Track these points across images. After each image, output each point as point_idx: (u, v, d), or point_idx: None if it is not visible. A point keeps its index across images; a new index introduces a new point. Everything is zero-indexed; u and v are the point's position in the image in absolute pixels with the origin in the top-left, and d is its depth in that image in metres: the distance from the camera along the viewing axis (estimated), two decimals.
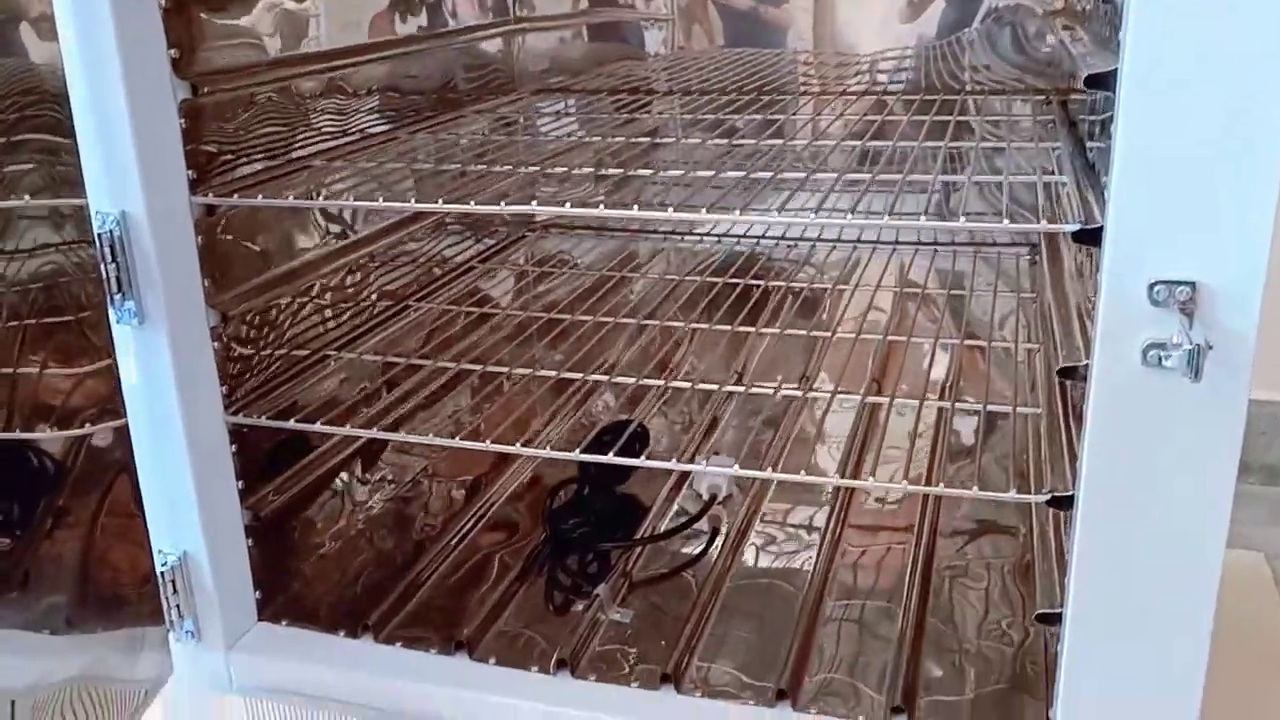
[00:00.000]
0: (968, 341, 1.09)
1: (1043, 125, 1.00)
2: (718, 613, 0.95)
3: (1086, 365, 0.64)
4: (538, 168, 0.87)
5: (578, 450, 0.79)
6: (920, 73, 1.24)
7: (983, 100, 1.20)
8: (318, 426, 0.86)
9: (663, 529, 1.09)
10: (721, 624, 0.93)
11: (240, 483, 0.88)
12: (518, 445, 0.78)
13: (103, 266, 0.77)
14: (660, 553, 1.05)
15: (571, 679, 0.85)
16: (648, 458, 1.10)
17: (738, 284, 1.22)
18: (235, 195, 0.79)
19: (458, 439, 0.81)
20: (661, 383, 0.91)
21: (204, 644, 0.89)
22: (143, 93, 0.75)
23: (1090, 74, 0.61)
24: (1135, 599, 0.67)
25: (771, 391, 0.88)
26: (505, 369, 0.96)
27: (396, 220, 1.11)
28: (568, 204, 0.78)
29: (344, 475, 1.03)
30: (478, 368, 0.98)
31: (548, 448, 0.78)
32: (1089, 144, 0.82)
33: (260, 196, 0.79)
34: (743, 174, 0.81)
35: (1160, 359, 0.60)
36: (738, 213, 0.71)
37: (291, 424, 0.85)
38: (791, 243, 1.33)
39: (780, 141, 0.96)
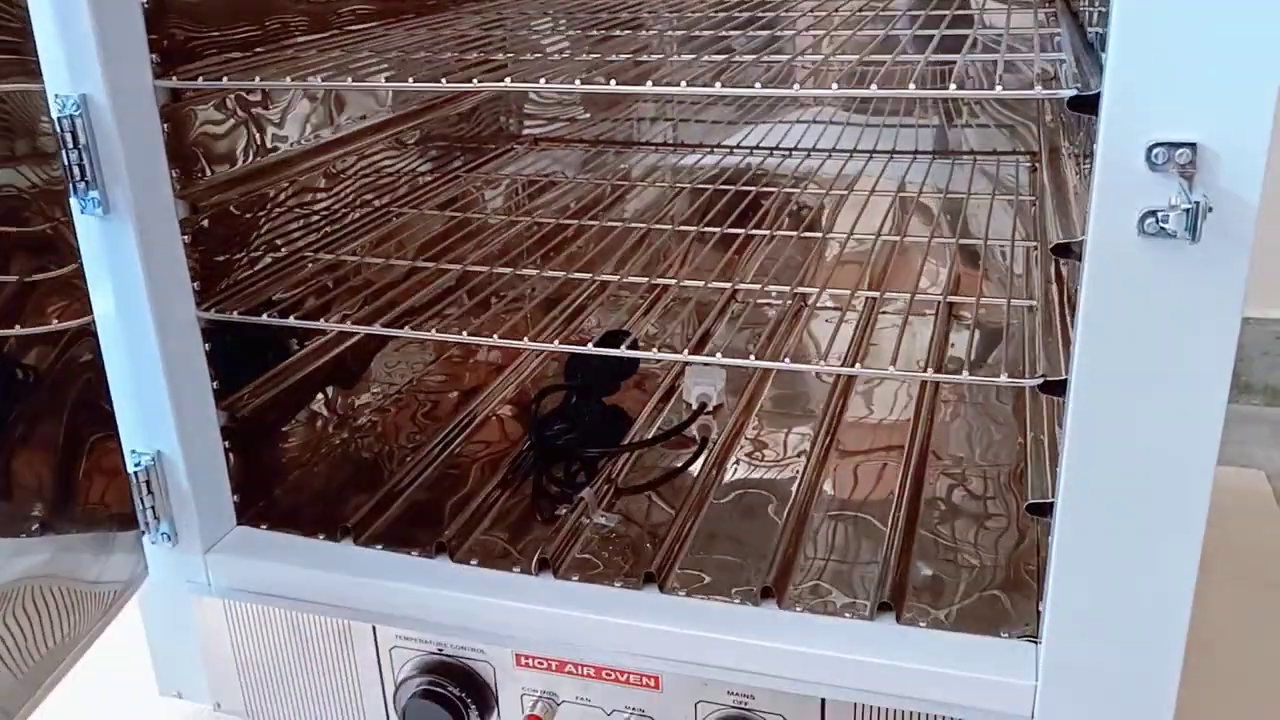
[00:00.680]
0: (964, 241, 1.06)
1: (1046, 15, 0.96)
2: (702, 520, 0.93)
3: (1081, 241, 0.61)
4: (539, 55, 0.83)
5: (557, 341, 0.77)
6: None
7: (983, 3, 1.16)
8: (292, 321, 0.83)
9: (651, 433, 1.07)
10: (706, 531, 0.92)
11: (215, 383, 0.86)
12: (494, 337, 0.76)
13: (64, 153, 0.75)
14: (647, 462, 1.03)
15: (554, 579, 0.84)
16: (636, 364, 1.09)
17: (731, 191, 1.19)
18: (200, 79, 0.77)
19: (434, 332, 0.79)
20: (646, 280, 0.89)
21: (180, 546, 0.87)
22: None
23: None
24: (1128, 486, 0.65)
25: (763, 295, 0.86)
26: (486, 269, 0.94)
27: (377, 122, 1.08)
28: (577, 80, 0.73)
29: (327, 381, 1.01)
30: (456, 266, 0.95)
31: (525, 339, 0.76)
32: (1089, 30, 0.79)
33: (225, 79, 0.76)
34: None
35: (1159, 224, 0.57)
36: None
37: (264, 319, 0.83)
38: (785, 153, 1.29)
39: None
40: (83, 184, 0.76)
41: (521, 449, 1.03)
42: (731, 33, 0.89)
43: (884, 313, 1.21)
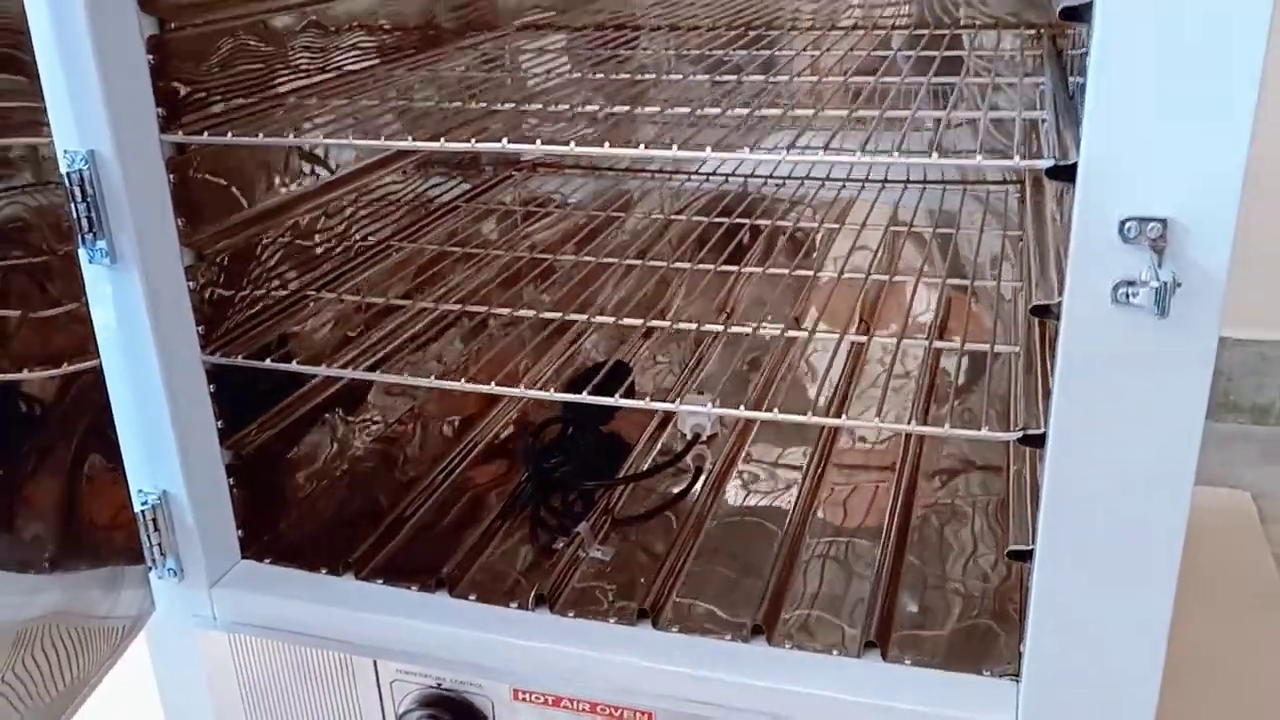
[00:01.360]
0: (955, 281, 1.08)
1: (1032, 60, 0.98)
2: (697, 550, 0.95)
3: (1059, 303, 0.64)
4: (539, 105, 0.85)
5: (552, 390, 0.79)
6: (914, 5, 1.22)
7: (975, 35, 1.18)
8: (294, 366, 0.86)
9: (646, 467, 1.09)
10: (701, 561, 0.94)
11: (220, 422, 0.89)
12: (492, 385, 0.78)
13: (72, 206, 0.77)
14: (643, 492, 1.05)
15: (550, 614, 0.86)
16: (629, 395, 1.11)
17: (725, 224, 1.21)
18: (205, 133, 0.79)
19: (433, 378, 0.81)
20: (641, 322, 0.91)
21: (187, 581, 0.89)
22: (108, 29, 0.74)
23: (1066, 6, 0.59)
24: (1103, 539, 0.67)
25: (753, 330, 0.88)
26: (485, 308, 0.96)
27: (377, 159, 1.10)
28: (571, 143, 0.75)
29: (328, 416, 1.03)
30: (457, 308, 0.97)
31: (521, 385, 0.78)
32: (1071, 79, 0.81)
33: (230, 134, 0.78)
34: (747, 110, 0.79)
35: (1129, 296, 0.59)
36: (747, 151, 0.69)
37: (267, 364, 0.85)
38: (780, 181, 1.31)
39: (765, 78, 0.95)
40: (90, 235, 0.78)
41: (520, 480, 1.06)
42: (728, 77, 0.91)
43: (877, 336, 1.23)
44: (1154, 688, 0.70)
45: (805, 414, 0.72)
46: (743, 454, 1.12)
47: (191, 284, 0.84)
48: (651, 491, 1.05)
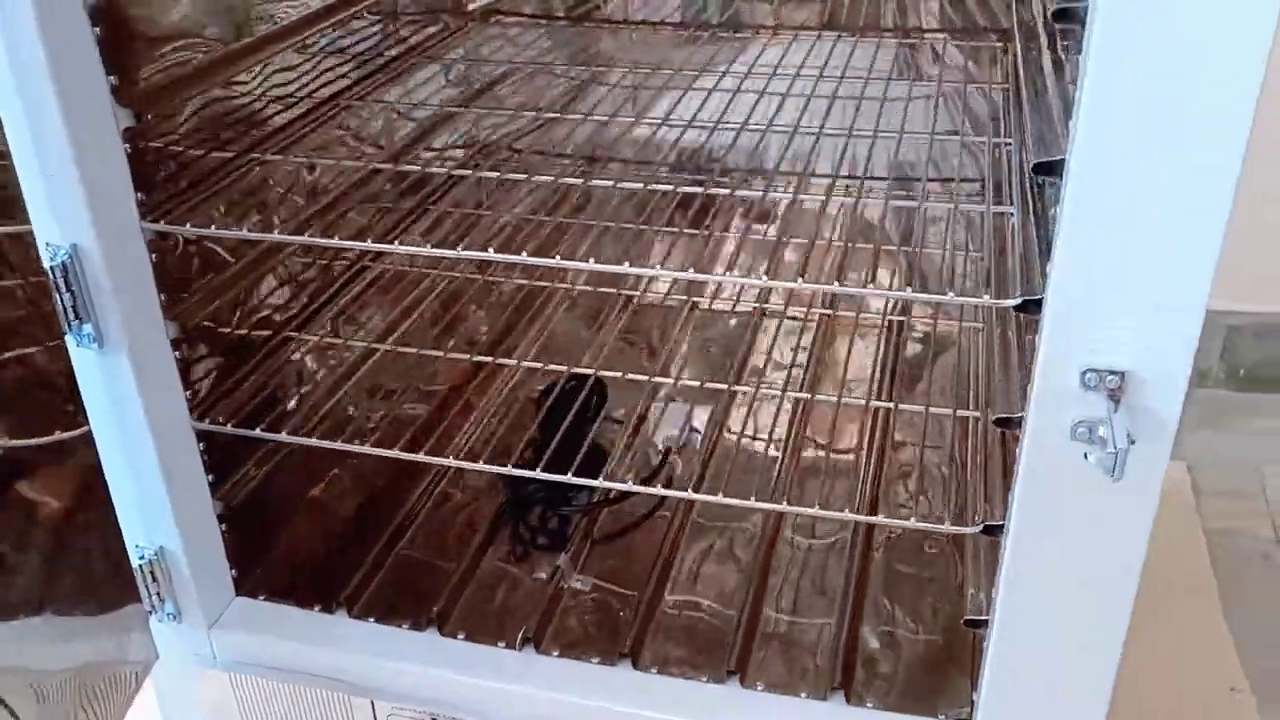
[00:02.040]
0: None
1: (1002, 151, 0.99)
2: (674, 579, 1.01)
3: (1021, 418, 0.68)
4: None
5: (510, 465, 0.83)
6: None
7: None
8: (284, 437, 0.88)
9: (621, 473, 1.13)
10: (677, 591, 1.00)
11: (210, 476, 0.91)
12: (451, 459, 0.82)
13: (57, 296, 0.77)
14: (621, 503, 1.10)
15: (536, 654, 0.92)
16: (605, 410, 1.14)
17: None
18: (188, 225, 0.79)
19: (397, 449, 0.85)
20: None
21: (185, 624, 0.93)
22: (85, 125, 0.73)
23: (1037, 161, 0.61)
24: (1055, 618, 0.73)
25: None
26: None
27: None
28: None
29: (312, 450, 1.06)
30: (441, 355, 0.99)
31: (508, 465, 0.81)
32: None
33: (214, 227, 0.78)
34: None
35: (1089, 435, 0.63)
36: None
37: (258, 433, 0.88)
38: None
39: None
40: (76, 321, 0.79)
41: (500, 502, 1.10)
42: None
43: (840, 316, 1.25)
44: None
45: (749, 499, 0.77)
46: (711, 466, 1.14)
47: (177, 354, 0.85)
48: (630, 502, 1.09)
